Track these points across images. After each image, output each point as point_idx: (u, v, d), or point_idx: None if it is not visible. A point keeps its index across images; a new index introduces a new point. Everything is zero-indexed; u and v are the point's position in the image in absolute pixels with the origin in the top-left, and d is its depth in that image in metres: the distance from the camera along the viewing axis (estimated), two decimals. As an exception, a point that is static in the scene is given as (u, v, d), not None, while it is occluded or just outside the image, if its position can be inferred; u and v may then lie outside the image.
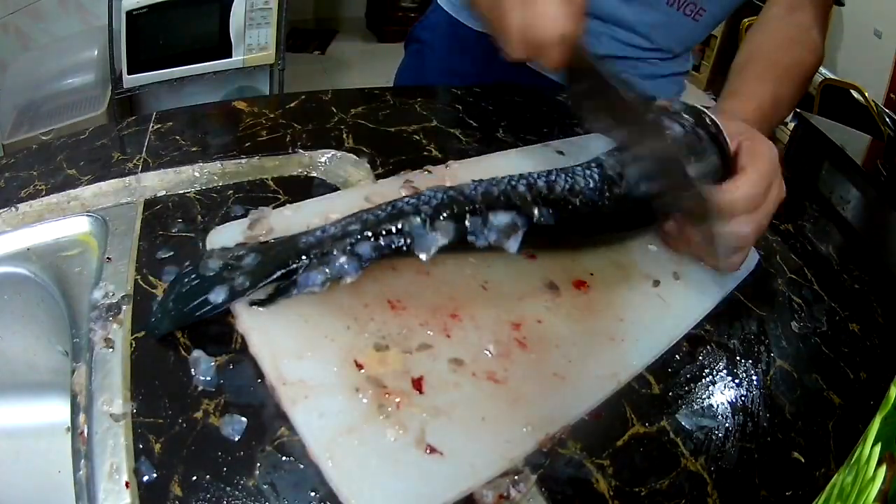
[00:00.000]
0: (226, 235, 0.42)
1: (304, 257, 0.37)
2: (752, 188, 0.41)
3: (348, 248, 0.37)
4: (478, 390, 0.35)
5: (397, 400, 0.33)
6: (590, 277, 0.43)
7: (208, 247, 0.42)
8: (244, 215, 0.44)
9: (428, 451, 0.31)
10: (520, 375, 0.36)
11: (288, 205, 0.45)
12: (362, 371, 0.34)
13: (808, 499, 0.34)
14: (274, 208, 0.44)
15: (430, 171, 0.49)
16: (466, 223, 0.39)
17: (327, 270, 0.37)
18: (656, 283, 0.44)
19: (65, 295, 0.41)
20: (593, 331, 0.40)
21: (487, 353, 0.37)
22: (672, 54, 0.77)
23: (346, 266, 0.37)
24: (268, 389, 0.34)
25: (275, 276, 0.37)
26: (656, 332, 0.41)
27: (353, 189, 0.49)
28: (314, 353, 0.35)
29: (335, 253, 0.37)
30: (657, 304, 0.43)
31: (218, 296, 0.36)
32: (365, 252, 0.38)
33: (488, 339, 0.37)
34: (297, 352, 0.35)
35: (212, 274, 0.37)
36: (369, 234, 0.38)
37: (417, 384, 0.34)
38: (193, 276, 0.38)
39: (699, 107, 0.45)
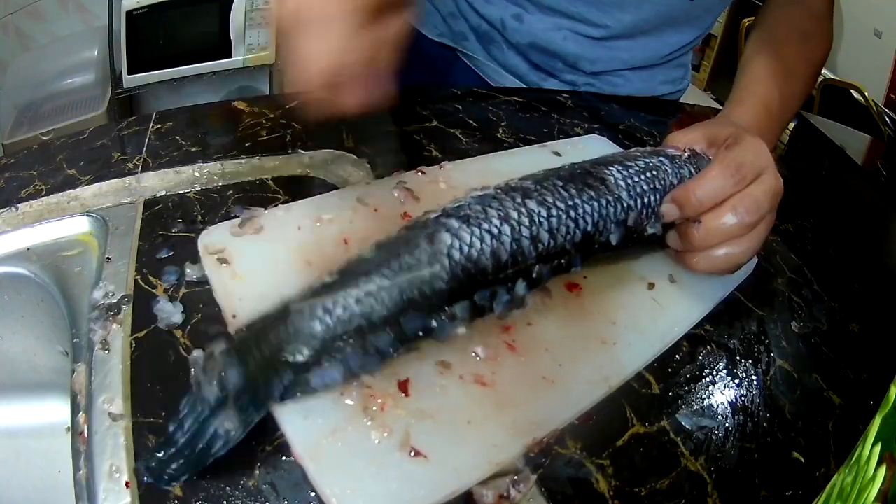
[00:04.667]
0: (215, 236, 0.42)
1: (310, 357, 0.31)
2: (712, 180, 0.39)
3: (364, 343, 0.32)
4: (464, 393, 0.35)
5: (382, 402, 0.33)
6: (583, 280, 0.42)
7: (200, 247, 0.41)
8: (244, 215, 0.44)
9: (412, 454, 0.31)
10: (508, 379, 0.36)
11: (280, 205, 0.45)
12: None
13: (808, 499, 0.34)
14: (268, 209, 0.44)
15: (423, 172, 0.49)
16: (476, 300, 0.35)
17: (344, 368, 0.32)
18: (651, 285, 0.43)
19: (65, 295, 0.41)
20: (585, 334, 0.39)
21: (475, 355, 0.36)
22: (669, 50, 0.73)
23: (365, 363, 0.33)
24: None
25: (280, 386, 0.31)
26: (650, 336, 0.41)
27: (346, 189, 0.48)
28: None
29: (349, 350, 0.32)
30: (651, 307, 0.42)
31: (228, 425, 0.30)
32: (385, 346, 0.33)
33: (477, 341, 0.37)
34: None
35: (214, 403, 0.30)
36: (387, 324, 0.33)
37: (403, 386, 0.34)
38: (199, 410, 0.30)
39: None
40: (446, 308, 0.34)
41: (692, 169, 0.42)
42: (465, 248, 0.34)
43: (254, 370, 0.31)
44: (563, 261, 0.38)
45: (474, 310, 0.35)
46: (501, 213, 0.36)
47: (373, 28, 0.36)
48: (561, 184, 0.38)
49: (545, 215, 0.36)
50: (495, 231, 0.35)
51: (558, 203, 0.37)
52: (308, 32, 0.35)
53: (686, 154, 0.43)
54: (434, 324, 0.34)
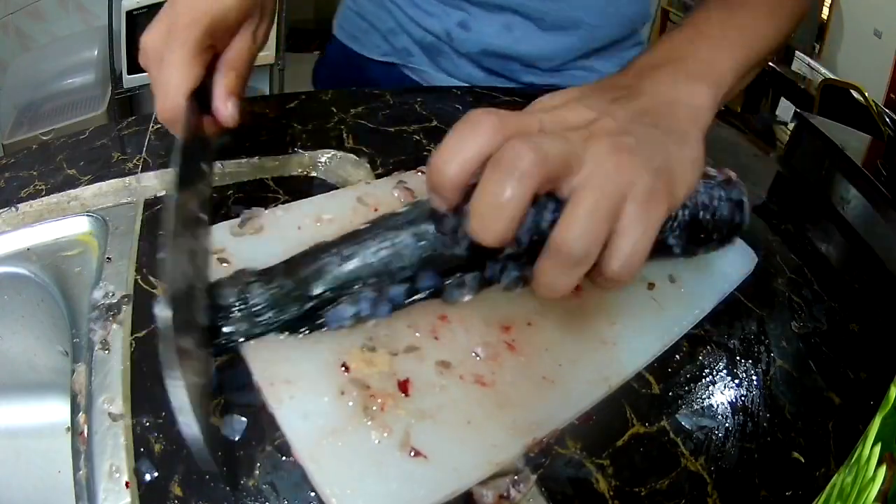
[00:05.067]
0: (215, 236, 0.41)
1: (328, 292, 0.35)
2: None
3: (379, 290, 0.36)
4: (464, 393, 0.35)
5: (382, 402, 0.33)
6: (582, 279, 0.42)
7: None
8: (244, 215, 0.44)
9: (412, 454, 0.31)
10: (508, 379, 0.36)
11: (280, 205, 0.45)
12: (348, 373, 0.34)
13: (808, 499, 0.34)
14: (268, 209, 0.44)
15: (423, 173, 0.49)
16: (487, 274, 0.38)
17: (357, 308, 0.36)
18: (651, 285, 0.43)
19: (65, 295, 0.41)
20: (585, 334, 0.39)
21: (475, 355, 0.36)
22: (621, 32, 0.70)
23: (377, 308, 0.36)
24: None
25: (296, 315, 0.35)
26: (650, 336, 0.40)
27: (346, 190, 0.49)
28: (301, 353, 0.35)
29: (364, 292, 0.36)
30: (651, 307, 0.42)
31: (235, 328, 0.34)
32: (397, 297, 0.37)
33: (477, 341, 0.37)
34: (284, 353, 0.35)
35: (225, 303, 0.35)
36: (403, 278, 0.36)
37: (403, 386, 0.34)
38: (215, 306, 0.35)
39: None
40: (458, 274, 0.37)
41: (722, 193, 0.42)
42: None
43: (275, 293, 0.35)
44: None
45: (482, 282, 0.38)
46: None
47: (211, 53, 0.41)
48: None
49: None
50: None
51: None
52: (157, 66, 0.39)
53: (721, 177, 0.43)
54: (445, 284, 0.37)
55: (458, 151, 0.29)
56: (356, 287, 0.36)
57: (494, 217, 0.28)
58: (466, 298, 0.38)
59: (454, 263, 0.37)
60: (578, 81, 0.71)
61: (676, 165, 0.31)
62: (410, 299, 0.37)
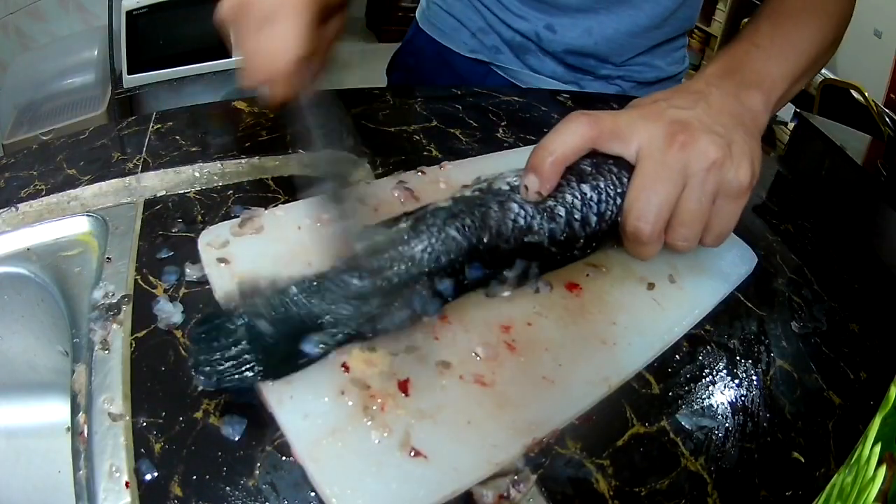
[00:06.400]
0: (215, 236, 0.42)
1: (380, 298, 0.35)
2: (634, 193, 0.38)
3: (429, 286, 0.36)
4: (464, 393, 0.35)
5: (382, 402, 0.33)
6: (583, 279, 0.42)
7: (200, 247, 0.41)
8: (244, 215, 0.44)
9: (412, 454, 0.31)
10: (508, 379, 0.36)
11: (280, 205, 0.45)
12: (348, 373, 0.34)
13: (808, 499, 0.34)
14: (268, 209, 0.44)
15: (423, 172, 0.49)
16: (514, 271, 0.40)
17: (411, 308, 0.35)
18: (651, 285, 0.43)
19: (65, 295, 0.41)
20: (585, 334, 0.39)
21: (475, 355, 0.36)
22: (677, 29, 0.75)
23: (428, 306, 0.36)
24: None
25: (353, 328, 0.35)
26: (650, 336, 0.40)
27: (346, 190, 0.48)
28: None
29: (417, 289, 0.36)
30: (651, 307, 0.42)
31: (313, 346, 0.34)
32: (447, 289, 0.37)
33: (477, 341, 0.37)
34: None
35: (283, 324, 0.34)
36: (448, 271, 0.37)
37: (403, 386, 0.34)
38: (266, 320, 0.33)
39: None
40: (496, 268, 0.39)
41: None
42: (528, 219, 0.39)
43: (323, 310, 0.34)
44: (613, 240, 0.41)
45: (520, 276, 0.40)
46: (559, 197, 0.40)
47: (320, 25, 0.39)
48: (616, 170, 0.40)
49: (595, 199, 0.40)
50: (549, 209, 0.39)
51: (608, 188, 0.40)
52: (264, 27, 0.37)
53: None
54: (488, 274, 0.38)
55: (562, 141, 0.38)
56: (406, 289, 0.35)
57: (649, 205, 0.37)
58: (505, 294, 0.40)
59: (498, 254, 0.38)
60: (640, 74, 0.78)
61: (753, 156, 0.39)
62: (457, 292, 0.38)
